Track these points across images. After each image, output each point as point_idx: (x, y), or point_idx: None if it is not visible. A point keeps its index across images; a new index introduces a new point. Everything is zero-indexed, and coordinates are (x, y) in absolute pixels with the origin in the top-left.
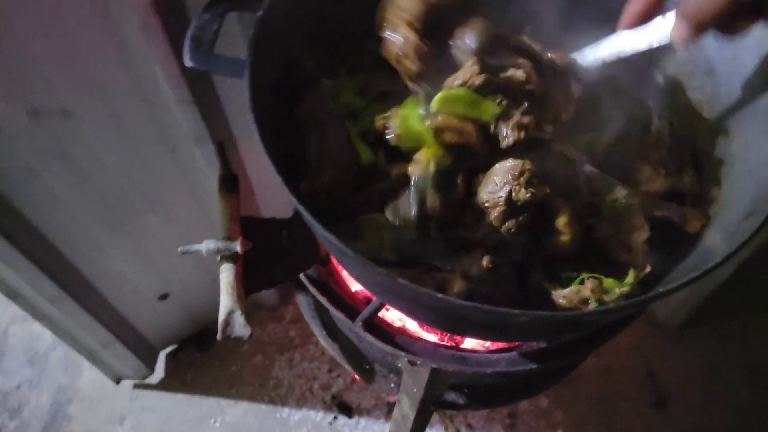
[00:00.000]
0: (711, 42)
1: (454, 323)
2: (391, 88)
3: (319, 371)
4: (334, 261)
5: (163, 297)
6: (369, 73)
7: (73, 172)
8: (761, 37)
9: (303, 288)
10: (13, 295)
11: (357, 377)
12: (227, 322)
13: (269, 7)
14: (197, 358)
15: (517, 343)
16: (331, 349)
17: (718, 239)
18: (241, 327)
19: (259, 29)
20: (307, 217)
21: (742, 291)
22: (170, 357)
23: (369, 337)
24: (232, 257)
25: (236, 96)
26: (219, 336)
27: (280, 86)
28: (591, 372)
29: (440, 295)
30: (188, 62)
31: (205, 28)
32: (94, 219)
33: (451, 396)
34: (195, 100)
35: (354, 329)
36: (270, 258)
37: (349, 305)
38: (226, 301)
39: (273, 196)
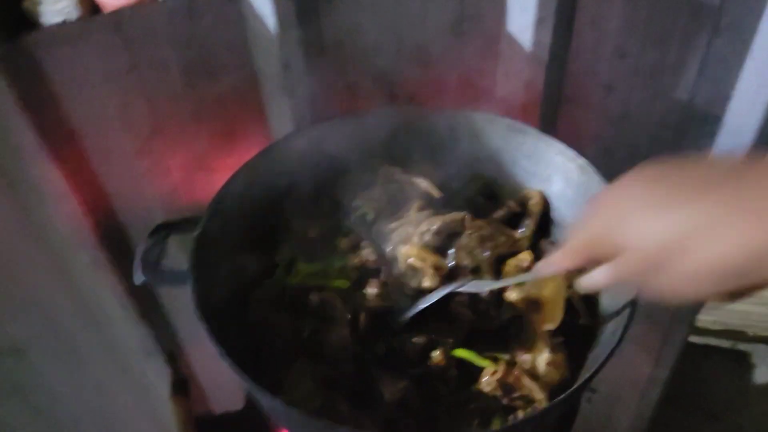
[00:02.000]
0: (562, 205)
1: None
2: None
3: None
4: None
5: None
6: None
7: (28, 407)
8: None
9: None
10: None
11: None
12: None
13: (203, 229)
14: None
15: None
16: None
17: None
18: None
19: (197, 246)
20: (270, 402)
21: (684, 409)
22: None
23: None
24: None
25: (180, 306)
26: None
27: (224, 288)
28: None
29: None
30: (138, 279)
31: (150, 250)
32: None
33: None
34: (143, 316)
35: None
36: None
37: None
38: None
39: (223, 393)
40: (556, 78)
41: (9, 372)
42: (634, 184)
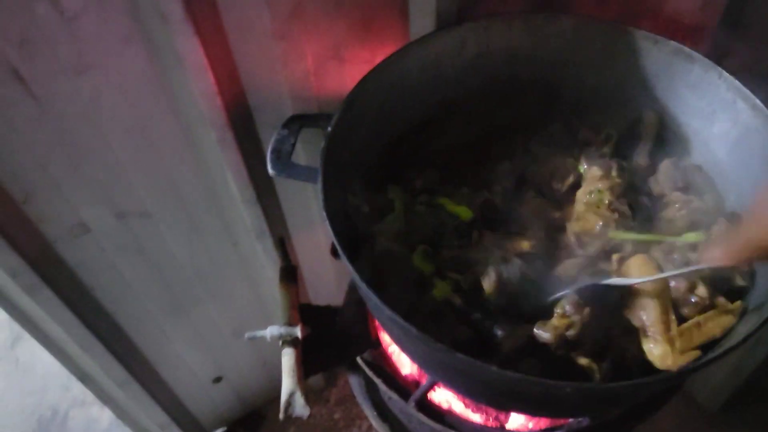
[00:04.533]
0: (720, 147)
1: (503, 396)
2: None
3: None
4: (385, 345)
5: (217, 380)
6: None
7: (148, 265)
8: (765, 140)
9: (355, 370)
10: (84, 378)
11: None
12: (288, 403)
13: (336, 124)
14: None
15: (560, 422)
16: (381, 429)
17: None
18: (301, 407)
19: (329, 143)
20: (373, 298)
21: None
22: None
23: (421, 417)
24: (293, 342)
25: (293, 195)
26: (281, 416)
27: (351, 188)
28: None
29: (494, 368)
30: (271, 171)
31: (283, 141)
32: (161, 307)
33: None
34: (259, 200)
35: (406, 409)
36: (326, 342)
37: (402, 386)
38: (287, 383)
39: (323, 286)
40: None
41: (136, 232)
42: None
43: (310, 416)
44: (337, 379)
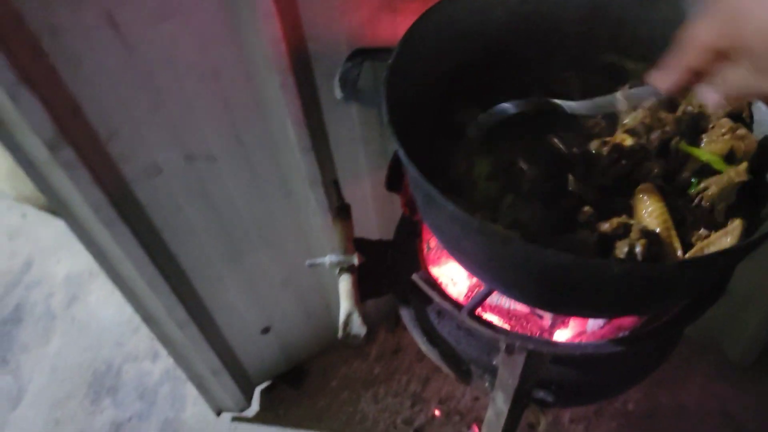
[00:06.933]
0: None
1: (556, 290)
2: None
3: (401, 406)
4: (434, 276)
5: (265, 331)
6: None
7: (210, 209)
8: None
9: (405, 303)
10: (148, 318)
11: (437, 413)
12: (347, 323)
13: (396, 57)
14: (289, 395)
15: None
16: (431, 353)
17: None
18: (358, 326)
19: (390, 72)
20: (434, 192)
21: None
22: (265, 393)
23: (474, 324)
24: (350, 269)
25: (343, 144)
26: (340, 334)
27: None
28: (665, 412)
29: (549, 250)
30: (338, 95)
31: (349, 71)
32: (219, 252)
33: (540, 394)
34: (314, 147)
35: (455, 330)
36: (379, 271)
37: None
38: (345, 305)
39: (367, 229)
40: None
41: (202, 175)
42: None
43: (350, 370)
44: (376, 335)
